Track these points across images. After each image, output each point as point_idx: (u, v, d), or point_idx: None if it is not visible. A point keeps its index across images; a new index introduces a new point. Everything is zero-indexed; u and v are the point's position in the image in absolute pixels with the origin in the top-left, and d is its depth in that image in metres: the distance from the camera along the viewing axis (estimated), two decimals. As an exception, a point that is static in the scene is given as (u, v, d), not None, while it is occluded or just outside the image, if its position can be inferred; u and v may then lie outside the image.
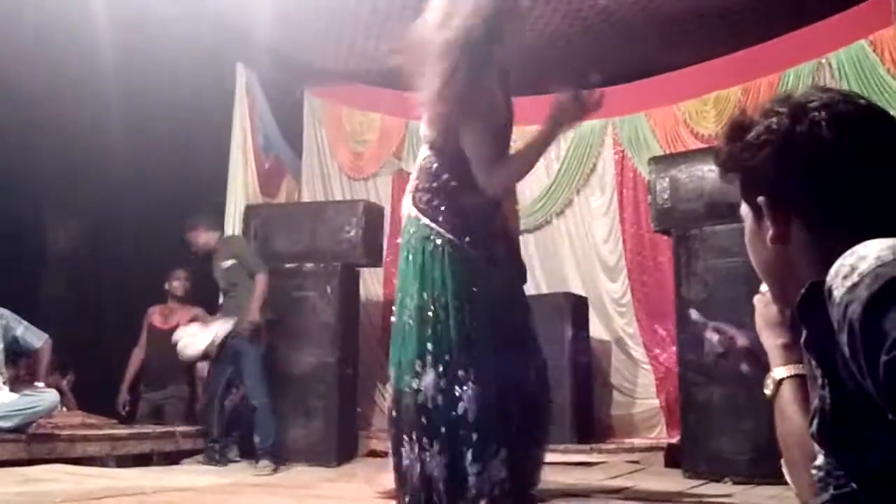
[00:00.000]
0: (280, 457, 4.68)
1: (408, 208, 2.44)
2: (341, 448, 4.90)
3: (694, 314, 2.75)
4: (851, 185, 0.95)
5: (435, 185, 2.38)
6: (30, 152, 5.15)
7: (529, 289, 5.20)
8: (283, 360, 4.95)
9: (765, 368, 1.17)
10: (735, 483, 3.72)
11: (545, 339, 4.64)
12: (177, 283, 5.63)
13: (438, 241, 2.33)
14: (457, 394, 2.25)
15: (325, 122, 6.50)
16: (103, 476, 3.86)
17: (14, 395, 4.39)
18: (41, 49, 4.70)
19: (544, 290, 5.46)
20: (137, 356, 5.73)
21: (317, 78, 6.41)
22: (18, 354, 4.69)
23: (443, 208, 2.35)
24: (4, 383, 4.47)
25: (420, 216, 2.38)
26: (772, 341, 1.17)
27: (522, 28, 2.50)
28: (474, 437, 2.25)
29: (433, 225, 2.35)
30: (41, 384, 4.58)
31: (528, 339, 2.47)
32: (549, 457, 4.28)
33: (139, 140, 5.23)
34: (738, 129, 1.04)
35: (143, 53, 4.97)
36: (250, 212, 5.44)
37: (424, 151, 2.44)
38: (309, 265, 5.08)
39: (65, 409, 5.11)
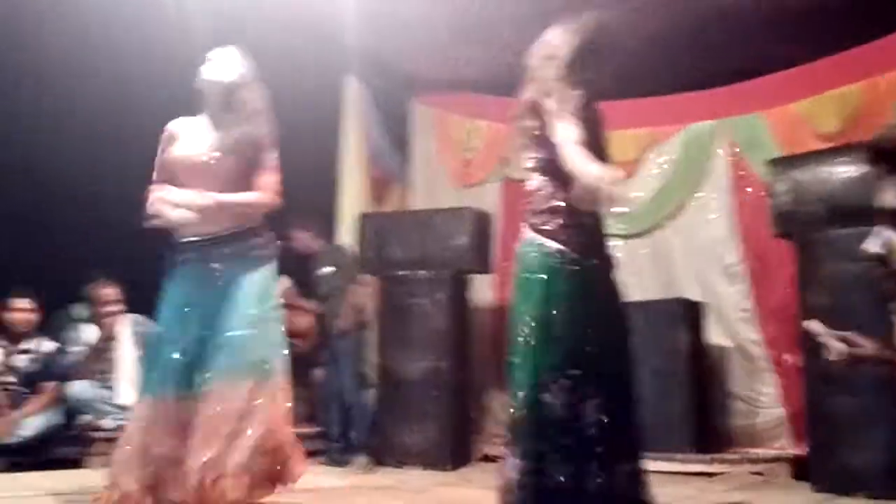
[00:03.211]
0: (376, 454, 4.89)
1: (525, 232, 2.50)
2: (456, 452, 4.97)
3: (814, 325, 2.71)
4: None
5: (551, 205, 2.44)
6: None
7: (639, 295, 5.19)
8: (397, 365, 5.08)
9: None
10: (868, 498, 3.56)
11: (659, 345, 4.66)
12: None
13: (562, 260, 2.38)
14: (582, 407, 2.31)
15: (433, 131, 6.60)
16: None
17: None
18: (145, 58, 4.86)
19: (655, 297, 5.37)
20: None
21: (424, 87, 6.52)
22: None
23: (565, 228, 2.41)
24: (143, 386, 4.77)
25: (539, 237, 2.43)
26: None
27: (608, 59, 2.56)
28: (598, 449, 2.30)
29: (555, 245, 2.40)
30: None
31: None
32: (668, 466, 4.26)
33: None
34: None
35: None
36: (364, 220, 5.58)
37: (534, 180, 2.51)
38: (420, 272, 5.18)
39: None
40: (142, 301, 4.93)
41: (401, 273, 5.21)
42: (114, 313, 4.80)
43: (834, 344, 2.46)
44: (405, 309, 5.14)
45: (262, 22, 5.08)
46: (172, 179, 3.06)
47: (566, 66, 2.44)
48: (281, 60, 4.99)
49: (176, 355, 2.88)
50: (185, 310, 2.95)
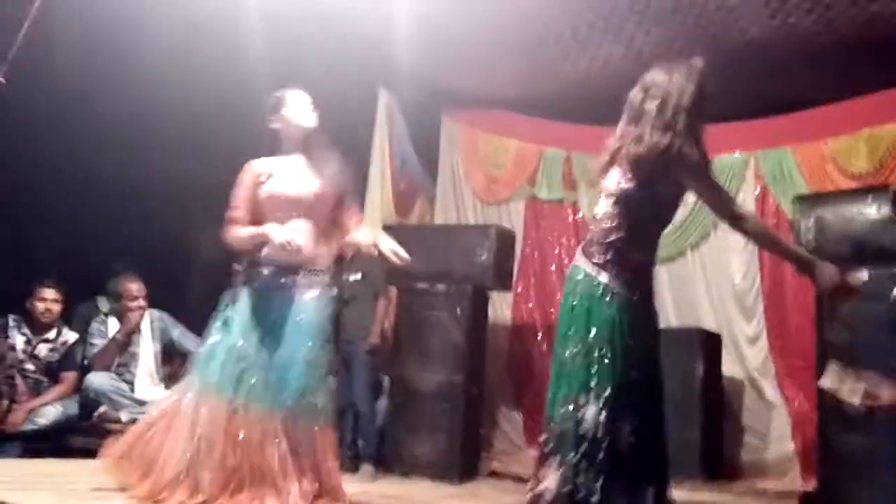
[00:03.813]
0: (384, 463, 4.92)
1: (577, 257, 2.60)
2: (464, 466, 4.97)
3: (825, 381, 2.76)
4: None
5: (609, 240, 2.53)
6: (175, 168, 5.51)
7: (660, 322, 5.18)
8: (411, 376, 5.10)
9: None
10: (876, 539, 3.54)
11: (675, 374, 4.64)
12: None
13: (606, 292, 2.49)
14: (615, 429, 2.41)
15: (460, 146, 6.66)
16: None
17: (168, 392, 4.76)
18: (171, 61, 4.92)
19: (674, 324, 5.37)
20: None
21: (456, 102, 6.56)
22: (173, 355, 5.04)
23: (614, 263, 2.51)
24: (161, 381, 4.85)
25: (590, 268, 2.53)
26: None
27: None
28: (629, 470, 2.41)
29: (602, 278, 2.50)
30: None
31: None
32: (676, 493, 4.24)
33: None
34: None
35: (287, 73, 5.25)
36: (387, 231, 5.62)
37: (604, 206, 2.58)
38: (440, 286, 5.21)
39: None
40: (163, 297, 5.04)
41: (419, 286, 5.24)
42: (137, 308, 4.89)
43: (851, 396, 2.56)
44: (423, 321, 5.17)
45: (303, 28, 5.15)
46: (264, 214, 3.17)
47: (688, 113, 2.49)
48: (319, 67, 5.07)
49: (254, 370, 3.01)
50: (266, 328, 3.08)
